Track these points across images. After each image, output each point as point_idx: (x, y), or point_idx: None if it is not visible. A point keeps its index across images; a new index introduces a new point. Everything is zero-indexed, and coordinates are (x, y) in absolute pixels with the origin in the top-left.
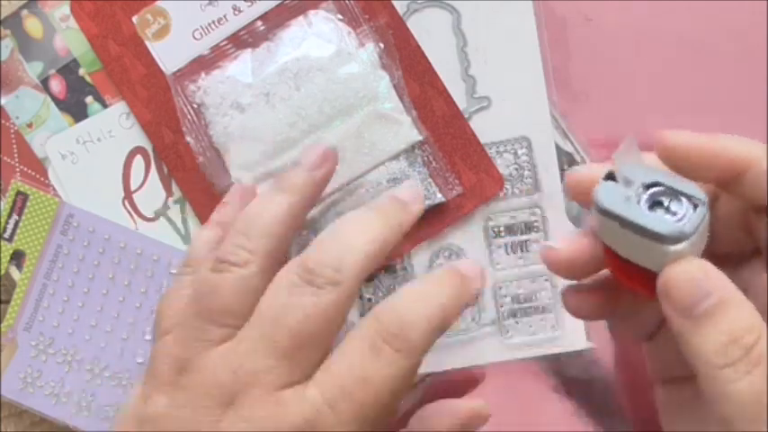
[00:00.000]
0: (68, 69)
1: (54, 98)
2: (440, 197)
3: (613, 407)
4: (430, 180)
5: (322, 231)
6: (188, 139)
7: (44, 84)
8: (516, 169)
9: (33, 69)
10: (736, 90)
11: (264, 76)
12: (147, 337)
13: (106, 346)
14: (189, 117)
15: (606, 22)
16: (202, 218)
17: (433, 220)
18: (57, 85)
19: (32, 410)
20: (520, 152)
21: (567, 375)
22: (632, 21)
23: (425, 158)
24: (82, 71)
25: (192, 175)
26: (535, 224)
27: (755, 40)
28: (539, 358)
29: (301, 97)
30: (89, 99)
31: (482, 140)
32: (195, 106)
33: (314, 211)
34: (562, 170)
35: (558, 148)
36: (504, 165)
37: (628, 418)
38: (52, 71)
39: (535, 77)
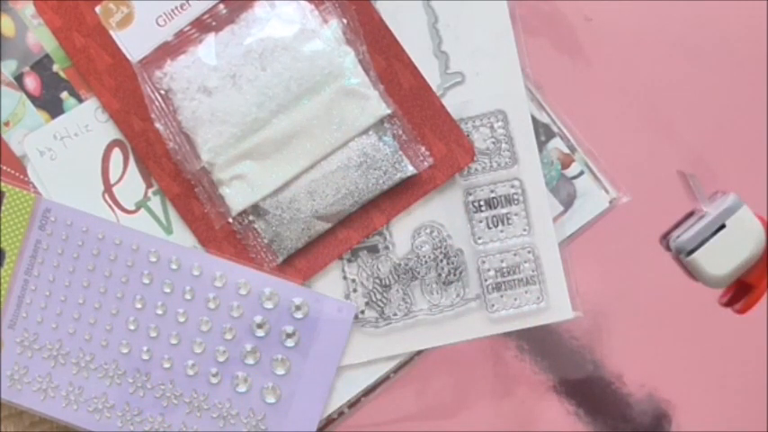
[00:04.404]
0: (42, 66)
1: (29, 95)
2: (411, 169)
3: (613, 407)
4: (400, 153)
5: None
6: (157, 125)
7: (19, 81)
8: (493, 143)
9: (7, 67)
10: (735, 89)
11: (229, 58)
12: (131, 327)
13: (91, 338)
14: (157, 104)
15: (606, 22)
16: (175, 205)
17: (405, 193)
18: (31, 83)
19: (21, 407)
20: (496, 126)
21: (567, 375)
22: (632, 21)
23: (395, 132)
24: (56, 67)
25: (163, 161)
26: (515, 197)
27: (755, 40)
28: (537, 354)
29: (267, 77)
30: (64, 95)
31: (457, 116)
32: (163, 92)
33: (287, 192)
34: (539, 141)
35: (534, 119)
36: (480, 139)
37: (629, 418)
38: (26, 68)
39: (508, 50)
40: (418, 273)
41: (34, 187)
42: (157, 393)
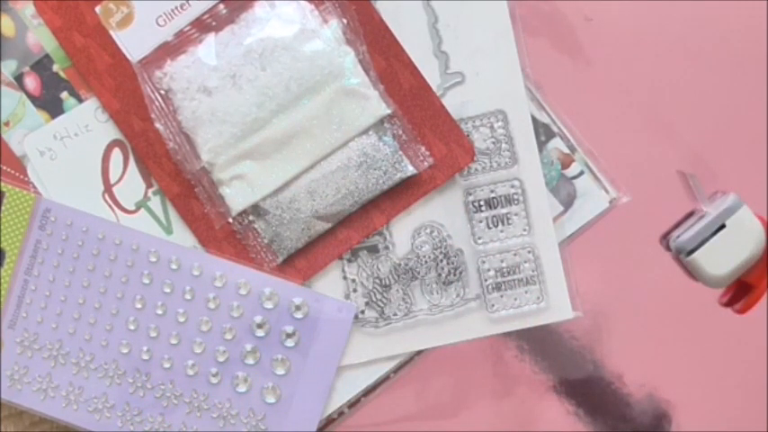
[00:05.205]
0: (42, 66)
1: (29, 95)
2: (411, 169)
3: (613, 407)
4: (400, 153)
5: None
6: (157, 125)
7: (19, 81)
8: (493, 143)
9: (7, 67)
10: (735, 89)
11: (229, 58)
12: (131, 327)
13: (91, 338)
14: (157, 104)
15: (606, 22)
16: (175, 205)
17: (405, 194)
18: (31, 83)
19: (21, 407)
20: (496, 125)
21: (567, 375)
22: (632, 21)
23: (395, 132)
24: (56, 67)
25: (163, 161)
26: (515, 197)
27: (755, 40)
28: (536, 354)
29: (267, 77)
30: (64, 95)
31: (458, 116)
32: (163, 92)
33: (287, 192)
34: (539, 141)
35: (534, 119)
36: (480, 139)
37: (629, 418)
38: (26, 68)
39: (508, 50)
40: (418, 273)
41: (34, 187)
42: (157, 393)
